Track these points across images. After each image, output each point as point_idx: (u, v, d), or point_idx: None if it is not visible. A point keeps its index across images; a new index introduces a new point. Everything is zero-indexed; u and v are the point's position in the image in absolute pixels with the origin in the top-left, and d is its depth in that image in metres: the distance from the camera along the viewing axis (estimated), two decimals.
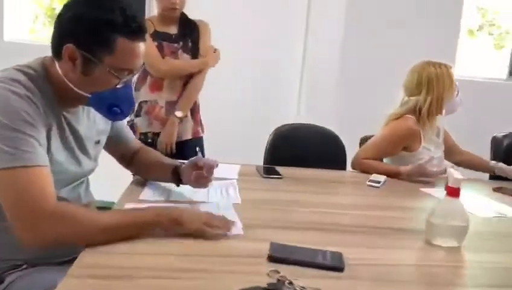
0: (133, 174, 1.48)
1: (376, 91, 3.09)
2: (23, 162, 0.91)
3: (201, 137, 2.18)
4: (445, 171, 1.75)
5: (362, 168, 1.89)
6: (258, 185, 1.53)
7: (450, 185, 1.13)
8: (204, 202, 1.28)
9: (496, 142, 2.31)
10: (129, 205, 1.19)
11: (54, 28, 1.03)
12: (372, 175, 1.76)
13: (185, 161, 1.31)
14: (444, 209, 1.14)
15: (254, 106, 3.08)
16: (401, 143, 1.88)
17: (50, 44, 1.03)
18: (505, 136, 2.27)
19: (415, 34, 3.20)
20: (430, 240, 1.14)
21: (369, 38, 3.19)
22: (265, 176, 1.65)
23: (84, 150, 1.16)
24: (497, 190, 1.79)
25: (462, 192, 1.69)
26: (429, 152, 1.90)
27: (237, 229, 1.08)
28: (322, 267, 0.93)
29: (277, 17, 3.12)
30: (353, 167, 1.95)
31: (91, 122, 1.18)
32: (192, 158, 1.28)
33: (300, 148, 1.98)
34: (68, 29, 1.00)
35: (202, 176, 1.24)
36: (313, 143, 2.01)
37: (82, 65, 1.00)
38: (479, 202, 1.59)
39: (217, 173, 1.28)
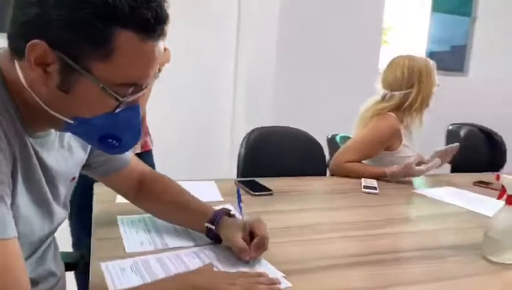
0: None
1: (315, 91, 3.07)
2: None
3: (151, 150, 1.81)
4: (429, 169, 1.66)
5: (344, 172, 1.71)
6: (251, 207, 1.25)
7: (511, 193, 0.99)
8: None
9: (450, 135, 2.32)
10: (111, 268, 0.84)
11: (14, 8, 0.63)
12: (363, 180, 1.59)
13: (223, 210, 0.98)
14: (505, 222, 0.99)
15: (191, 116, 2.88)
16: (385, 143, 1.74)
17: (7, 34, 0.64)
18: (459, 128, 2.30)
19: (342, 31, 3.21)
20: (490, 257, 0.99)
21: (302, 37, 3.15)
22: (255, 193, 1.37)
23: (55, 193, 0.78)
24: (477, 183, 1.76)
25: (457, 192, 1.63)
26: (408, 150, 1.80)
27: (283, 282, 0.81)
28: None
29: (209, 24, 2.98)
30: (333, 171, 1.76)
31: (65, 151, 0.80)
32: (250, 220, 0.93)
33: (275, 154, 1.73)
34: (37, 16, 0.60)
35: (262, 246, 0.90)
36: (289, 147, 1.78)
37: (59, 75, 0.62)
38: (474, 200, 1.51)
39: (197, 194, 1.04)
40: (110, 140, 0.70)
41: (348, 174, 1.70)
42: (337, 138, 2.05)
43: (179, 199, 1.02)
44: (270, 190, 1.39)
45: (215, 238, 0.96)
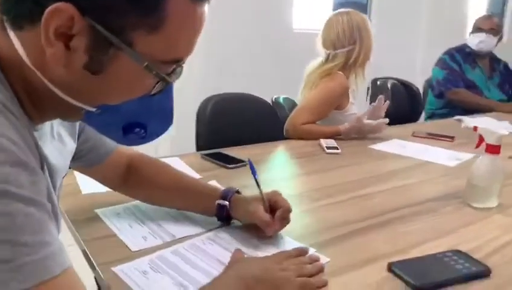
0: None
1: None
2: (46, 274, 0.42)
3: None
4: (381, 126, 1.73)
5: (300, 135, 1.70)
6: (229, 182, 1.17)
7: (489, 142, 1.06)
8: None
9: (374, 88, 2.44)
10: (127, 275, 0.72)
11: None
12: (323, 141, 1.60)
13: (232, 189, 0.89)
14: (486, 170, 1.07)
15: None
16: (336, 102, 1.75)
17: None
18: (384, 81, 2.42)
19: None
20: (474, 204, 1.07)
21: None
22: (231, 166, 1.29)
23: (57, 193, 0.63)
24: (416, 135, 1.89)
25: (406, 144, 1.72)
26: (355, 107, 1.85)
27: (321, 257, 0.78)
28: (469, 278, 0.73)
29: None
30: (288, 134, 1.74)
31: (57, 142, 0.64)
32: (268, 193, 0.86)
33: (234, 122, 1.65)
34: None
35: (286, 219, 0.84)
36: (245, 113, 1.70)
37: (87, 51, 0.47)
38: (424, 151, 1.62)
39: None
40: (137, 129, 0.57)
41: (304, 136, 1.69)
42: (281, 100, 2.04)
43: (178, 181, 0.91)
44: (243, 161, 1.33)
45: (225, 219, 0.88)
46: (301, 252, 0.77)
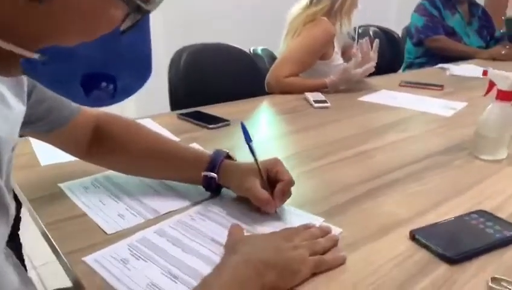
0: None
1: None
2: None
3: None
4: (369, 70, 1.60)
5: (283, 88, 1.56)
6: (212, 144, 1.03)
7: (501, 88, 0.96)
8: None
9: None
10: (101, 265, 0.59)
11: None
12: (309, 95, 1.47)
13: (221, 153, 0.75)
14: (497, 119, 0.97)
15: None
16: (320, 51, 1.61)
17: None
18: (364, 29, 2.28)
19: None
20: (482, 156, 0.98)
21: None
22: (212, 126, 1.15)
23: (1, 173, 0.47)
24: (403, 85, 1.78)
25: (395, 95, 1.62)
26: (339, 57, 1.71)
27: (333, 229, 0.66)
28: (504, 244, 0.64)
29: None
30: (270, 88, 1.59)
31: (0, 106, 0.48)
32: (265, 162, 0.72)
33: (212, 76, 1.48)
34: None
35: (287, 193, 0.71)
36: (223, 66, 1.53)
37: None
38: (416, 101, 1.52)
39: None
40: (103, 84, 0.42)
41: (287, 89, 1.56)
42: (259, 51, 1.87)
43: (157, 145, 0.77)
44: (226, 120, 1.19)
45: (215, 190, 0.76)
46: (310, 225, 0.65)
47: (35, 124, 0.66)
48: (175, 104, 1.44)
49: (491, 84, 0.99)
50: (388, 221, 0.70)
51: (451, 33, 2.73)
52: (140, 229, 0.66)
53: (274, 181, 0.71)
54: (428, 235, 0.64)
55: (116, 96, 0.42)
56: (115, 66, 0.41)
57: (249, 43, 1.88)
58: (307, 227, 0.64)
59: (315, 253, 0.58)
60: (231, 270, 0.48)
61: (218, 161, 0.73)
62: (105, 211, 0.71)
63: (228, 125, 1.18)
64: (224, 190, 0.78)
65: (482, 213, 0.71)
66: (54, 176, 0.84)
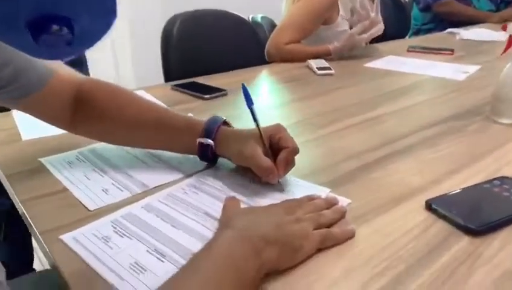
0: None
1: None
2: None
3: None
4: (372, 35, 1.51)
5: (284, 56, 1.48)
6: (210, 115, 0.96)
7: None
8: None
9: None
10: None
11: None
12: (312, 62, 1.38)
13: (218, 119, 0.68)
14: None
15: None
16: (323, 15, 1.51)
17: None
18: None
19: None
20: (501, 120, 0.90)
21: None
22: (207, 96, 1.07)
23: None
24: (411, 51, 1.69)
25: (403, 60, 1.53)
26: (345, 22, 1.61)
27: (340, 199, 0.60)
28: None
29: None
30: (271, 56, 1.51)
31: None
32: (267, 128, 0.64)
33: (205, 47, 1.40)
34: None
35: (292, 162, 0.64)
36: (220, 34, 1.44)
37: None
38: (426, 66, 1.43)
39: None
40: (54, 27, 0.34)
41: (288, 57, 1.47)
42: (259, 19, 1.78)
43: (148, 112, 0.70)
44: (223, 90, 1.11)
45: (211, 159, 0.69)
46: (314, 197, 0.58)
47: (4, 89, 0.59)
48: (169, 77, 1.36)
49: (511, 41, 0.91)
50: (401, 190, 0.63)
51: None
52: (126, 205, 0.60)
53: (277, 149, 0.63)
54: (446, 204, 0.57)
55: (75, 43, 0.35)
56: (66, 5, 0.34)
57: (248, 10, 1.79)
58: (310, 198, 0.58)
59: (320, 226, 0.51)
60: (224, 247, 0.42)
61: (215, 127, 0.66)
62: (89, 185, 0.65)
63: (225, 95, 1.10)
64: (220, 161, 0.71)
65: (504, 180, 0.64)
66: (35, 150, 0.77)
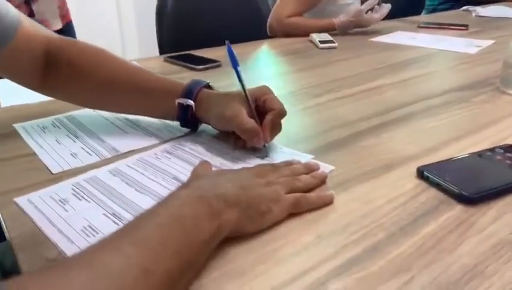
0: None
1: None
2: None
3: (72, 22, 1.34)
4: (381, 16, 1.44)
5: (287, 30, 1.42)
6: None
7: None
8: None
9: None
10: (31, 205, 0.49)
11: None
12: (314, 36, 1.32)
13: (200, 82, 0.63)
14: None
15: None
16: None
17: None
18: None
19: None
20: (509, 90, 0.83)
21: None
22: (200, 67, 1.02)
23: None
24: (422, 27, 1.61)
25: (412, 35, 1.46)
26: None
27: (322, 166, 0.54)
28: None
29: None
30: (273, 30, 1.45)
31: None
32: (252, 90, 0.59)
33: (201, 21, 1.34)
34: None
35: (278, 125, 0.59)
36: (219, 10, 1.38)
37: None
38: (437, 40, 1.36)
39: None
40: None
41: (290, 31, 1.41)
42: None
43: (123, 72, 0.65)
44: (216, 61, 1.06)
45: (191, 124, 0.64)
46: (293, 162, 0.53)
47: None
48: (163, 51, 1.31)
49: None
50: (392, 157, 0.57)
51: None
52: (93, 169, 0.56)
53: (263, 112, 0.58)
54: (440, 172, 0.51)
55: None
56: None
57: None
58: (288, 163, 0.53)
59: (294, 191, 0.46)
60: (174, 206, 0.37)
61: (196, 88, 0.62)
62: (58, 150, 0.61)
63: (219, 66, 1.05)
64: (204, 127, 0.66)
65: (509, 148, 0.58)
66: (12, 117, 0.74)
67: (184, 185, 0.42)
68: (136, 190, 0.50)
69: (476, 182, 0.50)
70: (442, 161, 0.55)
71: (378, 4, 1.47)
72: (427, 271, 0.37)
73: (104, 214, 0.46)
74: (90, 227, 0.43)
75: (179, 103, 0.62)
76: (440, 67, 1.05)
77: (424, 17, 1.97)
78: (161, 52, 1.34)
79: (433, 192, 0.49)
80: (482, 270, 0.37)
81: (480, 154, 0.57)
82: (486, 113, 0.74)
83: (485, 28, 1.55)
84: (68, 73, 0.65)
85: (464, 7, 2.04)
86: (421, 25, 1.60)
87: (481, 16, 1.83)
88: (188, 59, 1.09)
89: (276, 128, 0.59)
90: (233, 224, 0.39)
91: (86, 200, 0.48)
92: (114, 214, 0.46)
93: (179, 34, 1.29)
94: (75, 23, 1.38)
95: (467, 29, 1.51)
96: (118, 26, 2.79)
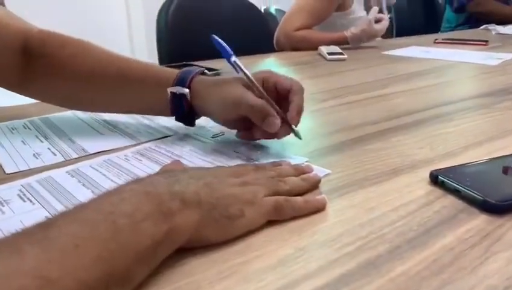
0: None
1: None
2: None
3: None
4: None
5: (295, 43, 1.36)
6: None
7: None
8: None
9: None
10: None
11: None
12: (323, 48, 1.25)
13: (194, 68, 0.56)
14: None
15: None
16: (337, 0, 1.39)
17: None
18: None
19: None
20: None
21: None
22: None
23: None
24: (439, 41, 1.53)
25: (428, 50, 1.38)
26: (360, 8, 1.48)
27: (316, 169, 0.46)
28: None
29: None
30: (280, 44, 1.39)
31: None
32: (261, 71, 0.53)
33: (202, 33, 1.29)
34: None
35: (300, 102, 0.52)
36: (224, 18, 1.34)
37: None
38: (454, 54, 1.27)
39: None
40: None
41: (299, 44, 1.35)
42: (272, 10, 1.67)
43: (110, 63, 0.58)
44: (215, 69, 1.00)
45: (187, 115, 0.56)
46: (281, 163, 0.45)
47: None
48: (162, 62, 1.26)
49: None
50: (401, 162, 0.49)
51: None
52: (58, 168, 0.49)
53: (277, 95, 0.51)
54: (458, 176, 0.42)
55: None
56: None
57: (261, 1, 1.68)
58: (276, 164, 0.44)
59: (277, 194, 0.38)
60: (111, 201, 0.29)
61: (189, 75, 0.54)
62: (21, 150, 0.54)
63: (218, 75, 0.99)
64: (185, 131, 0.59)
65: None
66: None
67: (135, 180, 0.34)
68: (92, 191, 0.42)
69: (502, 188, 0.41)
70: (461, 165, 0.46)
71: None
72: None
73: (46, 216, 0.38)
74: None
75: (171, 92, 0.54)
76: (457, 77, 0.97)
77: (441, 35, 1.89)
78: (161, 63, 1.29)
79: (449, 200, 0.40)
80: None
81: (502, 159, 0.47)
82: (507, 120, 0.64)
83: (506, 44, 1.46)
84: (49, 68, 0.58)
85: (484, 26, 1.96)
86: (437, 41, 1.53)
87: (501, 34, 1.75)
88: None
89: (300, 111, 0.51)
90: (191, 229, 0.31)
91: (31, 201, 0.41)
92: None
93: (178, 47, 1.24)
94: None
95: (486, 45, 1.43)
96: (127, 36, 2.78)
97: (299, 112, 0.50)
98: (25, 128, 0.63)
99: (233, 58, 0.52)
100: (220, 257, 0.32)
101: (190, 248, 0.32)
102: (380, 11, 1.37)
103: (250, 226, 0.34)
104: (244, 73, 0.51)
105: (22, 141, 0.57)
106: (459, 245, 0.33)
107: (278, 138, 0.51)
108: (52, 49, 0.59)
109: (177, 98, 0.54)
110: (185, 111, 0.55)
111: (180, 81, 0.54)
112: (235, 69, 0.52)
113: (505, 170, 0.44)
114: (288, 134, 0.51)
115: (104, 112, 0.65)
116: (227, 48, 0.53)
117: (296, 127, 0.51)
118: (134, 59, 0.60)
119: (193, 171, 0.38)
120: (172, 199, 0.31)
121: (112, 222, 0.27)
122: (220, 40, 0.53)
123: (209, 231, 0.32)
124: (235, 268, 0.31)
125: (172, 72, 0.56)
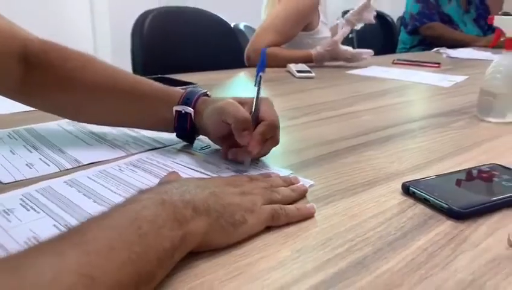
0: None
1: None
2: None
3: None
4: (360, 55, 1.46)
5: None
6: None
7: (510, 36, 0.81)
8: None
9: None
10: None
11: None
12: (292, 66, 1.32)
13: (198, 89, 0.60)
14: (506, 73, 0.82)
15: None
16: (305, 19, 1.46)
17: None
18: None
19: None
20: (489, 118, 0.83)
21: None
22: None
23: None
24: (396, 63, 1.64)
25: (387, 70, 1.48)
26: (326, 29, 1.56)
27: (302, 181, 0.50)
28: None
29: None
30: (250, 59, 1.44)
31: None
32: (264, 98, 0.57)
33: (179, 43, 1.32)
34: None
35: (265, 134, 0.54)
36: (194, 35, 1.37)
37: None
38: (411, 74, 1.37)
39: None
40: None
41: (268, 61, 1.39)
42: (241, 27, 1.72)
43: (114, 79, 0.60)
44: (192, 83, 1.03)
45: (189, 132, 0.59)
46: (271, 174, 0.49)
47: None
48: (136, 73, 1.28)
49: (498, 34, 0.85)
50: (374, 174, 0.54)
51: (447, 21, 2.60)
52: (54, 178, 0.50)
53: (258, 121, 0.55)
54: (427, 187, 0.48)
55: None
56: None
57: (232, 17, 1.73)
58: (266, 175, 0.49)
59: (271, 203, 0.42)
60: (133, 209, 0.32)
61: (195, 95, 0.58)
62: (12, 159, 0.55)
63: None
64: (176, 145, 0.62)
65: (495, 166, 0.55)
66: None
67: (146, 189, 0.37)
68: (94, 201, 0.45)
69: (465, 197, 0.47)
70: (428, 177, 0.52)
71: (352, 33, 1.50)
72: (421, 286, 0.33)
73: (54, 225, 0.40)
74: (35, 238, 0.37)
75: (176, 111, 0.58)
76: (415, 97, 1.05)
77: (397, 55, 2.02)
78: (135, 69, 1.30)
79: (419, 208, 0.46)
80: (480, 285, 0.33)
81: (467, 171, 0.54)
82: (466, 138, 0.72)
83: (457, 67, 1.59)
84: (51, 78, 0.59)
85: (435, 48, 2.11)
86: (395, 61, 1.63)
87: (452, 57, 1.89)
88: (164, 82, 1.05)
89: (270, 140, 0.55)
90: (202, 235, 0.34)
91: (35, 210, 0.42)
92: (67, 225, 0.40)
93: (152, 60, 1.26)
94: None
95: (439, 67, 1.55)
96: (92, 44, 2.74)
97: (260, 141, 0.53)
98: (11, 138, 0.64)
99: (261, 74, 0.58)
100: (227, 259, 0.36)
101: (198, 252, 0.36)
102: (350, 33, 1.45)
103: (251, 232, 0.38)
104: (258, 88, 0.57)
105: (11, 151, 0.58)
106: (432, 246, 0.38)
107: (238, 160, 0.54)
108: (54, 60, 0.60)
109: (182, 116, 0.58)
110: (188, 129, 0.58)
111: (186, 101, 0.58)
112: (256, 81, 0.57)
113: (458, 183, 0.51)
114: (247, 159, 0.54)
115: (106, 124, 0.66)
116: (264, 65, 0.60)
117: (255, 155, 0.54)
118: (139, 76, 0.63)
119: (195, 181, 0.41)
120: (185, 207, 0.34)
121: (137, 227, 0.30)
122: (265, 55, 0.60)
123: (216, 236, 0.36)
124: (242, 269, 0.34)
125: (178, 91, 0.60)
